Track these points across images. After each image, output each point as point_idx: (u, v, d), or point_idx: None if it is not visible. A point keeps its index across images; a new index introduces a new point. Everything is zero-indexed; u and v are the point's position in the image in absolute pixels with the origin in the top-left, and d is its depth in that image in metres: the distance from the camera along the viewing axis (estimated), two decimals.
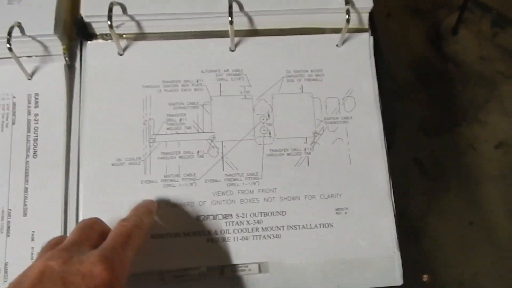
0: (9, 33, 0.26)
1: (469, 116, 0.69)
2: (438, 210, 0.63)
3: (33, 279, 0.19)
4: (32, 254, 0.26)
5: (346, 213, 0.27)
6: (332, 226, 0.27)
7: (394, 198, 0.28)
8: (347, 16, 0.29)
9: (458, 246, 0.61)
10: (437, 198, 0.64)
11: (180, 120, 0.29)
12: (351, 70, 0.30)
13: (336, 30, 0.31)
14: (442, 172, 0.65)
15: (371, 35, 0.32)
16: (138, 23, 0.30)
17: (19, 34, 0.27)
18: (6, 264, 0.25)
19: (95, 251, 0.20)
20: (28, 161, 0.27)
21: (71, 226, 0.27)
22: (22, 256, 0.26)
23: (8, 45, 0.26)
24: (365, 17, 0.31)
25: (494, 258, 0.60)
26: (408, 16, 0.76)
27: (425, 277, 0.50)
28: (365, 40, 0.31)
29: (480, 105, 0.70)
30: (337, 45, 0.31)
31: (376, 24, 0.32)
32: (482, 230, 0.61)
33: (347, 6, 0.29)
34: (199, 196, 0.27)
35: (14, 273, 0.25)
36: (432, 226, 0.62)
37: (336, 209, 0.27)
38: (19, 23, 0.27)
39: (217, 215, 0.27)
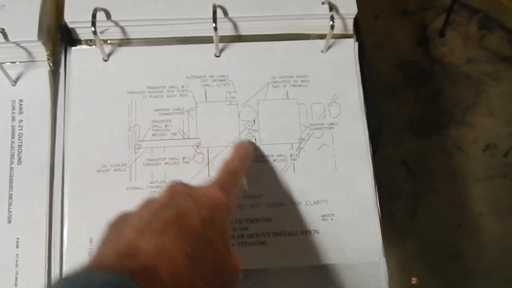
0: None
1: (457, 117, 0.70)
2: (426, 212, 0.64)
3: (164, 196, 0.20)
4: (17, 261, 0.26)
5: (332, 219, 0.28)
6: (318, 232, 0.27)
7: (381, 200, 0.29)
8: (331, 22, 0.29)
9: (446, 248, 0.62)
10: (425, 199, 0.65)
11: (166, 126, 0.29)
12: (336, 76, 0.31)
13: (321, 36, 0.31)
14: (429, 174, 0.66)
15: (356, 40, 0.32)
16: (122, 29, 0.30)
17: (3, 40, 0.27)
18: None
19: (212, 183, 0.22)
20: (12, 168, 0.27)
21: (56, 234, 0.26)
22: (6, 263, 0.26)
23: None
24: (350, 22, 0.32)
25: (483, 260, 0.61)
26: (395, 18, 0.77)
27: (413, 280, 0.51)
28: (350, 46, 0.31)
29: (468, 107, 0.71)
30: (322, 51, 0.31)
31: (361, 28, 0.33)
32: (470, 232, 0.62)
33: (331, 12, 0.30)
34: None
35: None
36: (419, 228, 0.62)
37: (322, 216, 0.28)
38: (3, 29, 0.27)
39: None
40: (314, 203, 0.28)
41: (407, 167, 0.67)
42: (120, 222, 0.19)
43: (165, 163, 0.28)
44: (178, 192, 0.21)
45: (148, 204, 0.20)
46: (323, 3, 0.30)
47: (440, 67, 0.73)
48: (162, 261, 0.16)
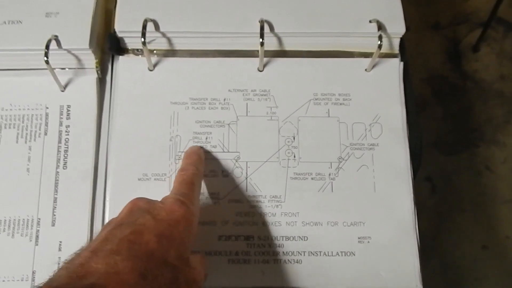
0: (47, 46, 0.27)
1: (487, 136, 0.68)
2: (449, 231, 0.63)
3: (124, 213, 0.21)
4: (58, 264, 0.26)
5: (369, 242, 0.27)
6: (354, 254, 0.27)
7: None
8: (379, 42, 0.29)
9: (469, 269, 0.60)
10: (449, 218, 0.63)
11: (206, 138, 0.29)
12: (379, 96, 0.30)
13: (365, 54, 0.31)
14: (455, 192, 0.65)
15: (401, 60, 0.31)
16: (169, 40, 0.30)
17: (55, 46, 0.28)
18: (34, 273, 0.26)
19: (169, 196, 0.23)
20: (58, 172, 0.28)
21: None
22: (49, 265, 0.26)
23: (45, 58, 0.27)
24: (396, 42, 0.31)
25: (508, 285, 0.59)
26: (427, 31, 0.75)
27: None
28: (395, 66, 0.31)
29: (499, 125, 0.69)
30: (366, 70, 0.31)
31: (406, 47, 0.32)
32: (496, 254, 0.61)
33: (379, 32, 0.29)
34: (222, 216, 0.28)
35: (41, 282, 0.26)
36: (442, 247, 0.61)
37: (359, 238, 0.28)
38: (56, 36, 0.28)
39: (239, 236, 0.27)
40: (351, 224, 0.28)
41: (432, 185, 0.66)
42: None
43: (204, 175, 0.28)
44: (138, 208, 0.21)
45: (109, 222, 0.21)
46: (370, 22, 0.30)
47: (472, 83, 0.72)
48: (113, 280, 0.16)
